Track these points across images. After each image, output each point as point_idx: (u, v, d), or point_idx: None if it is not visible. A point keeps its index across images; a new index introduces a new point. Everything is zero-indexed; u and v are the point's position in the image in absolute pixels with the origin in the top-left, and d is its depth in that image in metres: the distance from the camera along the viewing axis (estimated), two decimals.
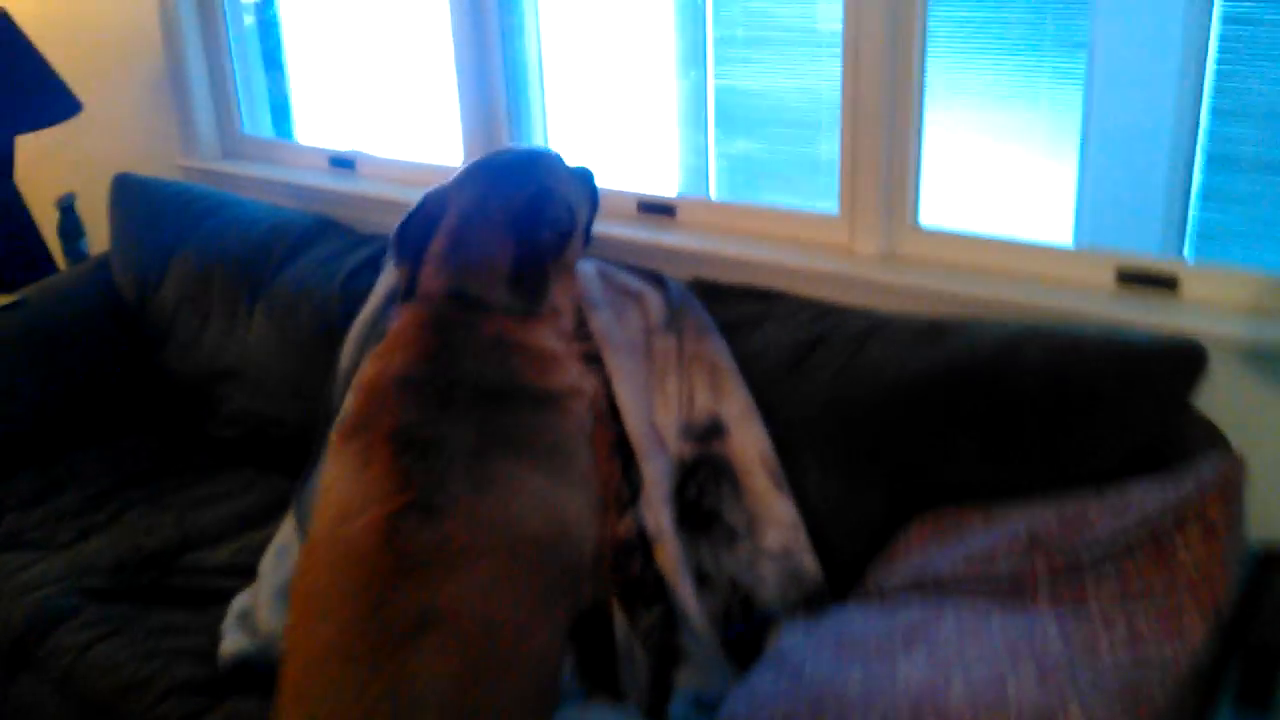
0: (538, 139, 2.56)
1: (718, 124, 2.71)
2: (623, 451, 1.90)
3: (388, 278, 2.15)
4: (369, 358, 1.59)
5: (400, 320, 1.59)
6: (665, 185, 2.45)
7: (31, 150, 3.07)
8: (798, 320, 1.89)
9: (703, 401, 1.86)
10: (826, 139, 2.33)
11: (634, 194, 2.35)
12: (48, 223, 3.12)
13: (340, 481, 1.42)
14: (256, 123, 3.12)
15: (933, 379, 1.67)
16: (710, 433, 1.83)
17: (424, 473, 1.37)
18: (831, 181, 2.08)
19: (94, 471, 2.39)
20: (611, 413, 1.92)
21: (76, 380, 2.56)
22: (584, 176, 1.85)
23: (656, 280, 2.07)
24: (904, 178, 1.99)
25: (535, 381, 1.52)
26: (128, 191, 2.74)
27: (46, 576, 1.98)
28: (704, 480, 1.81)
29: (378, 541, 1.31)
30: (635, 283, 2.07)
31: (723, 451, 1.81)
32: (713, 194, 2.38)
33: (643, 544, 1.82)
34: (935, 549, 1.46)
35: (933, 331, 1.74)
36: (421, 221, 1.66)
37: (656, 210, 2.31)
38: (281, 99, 3.24)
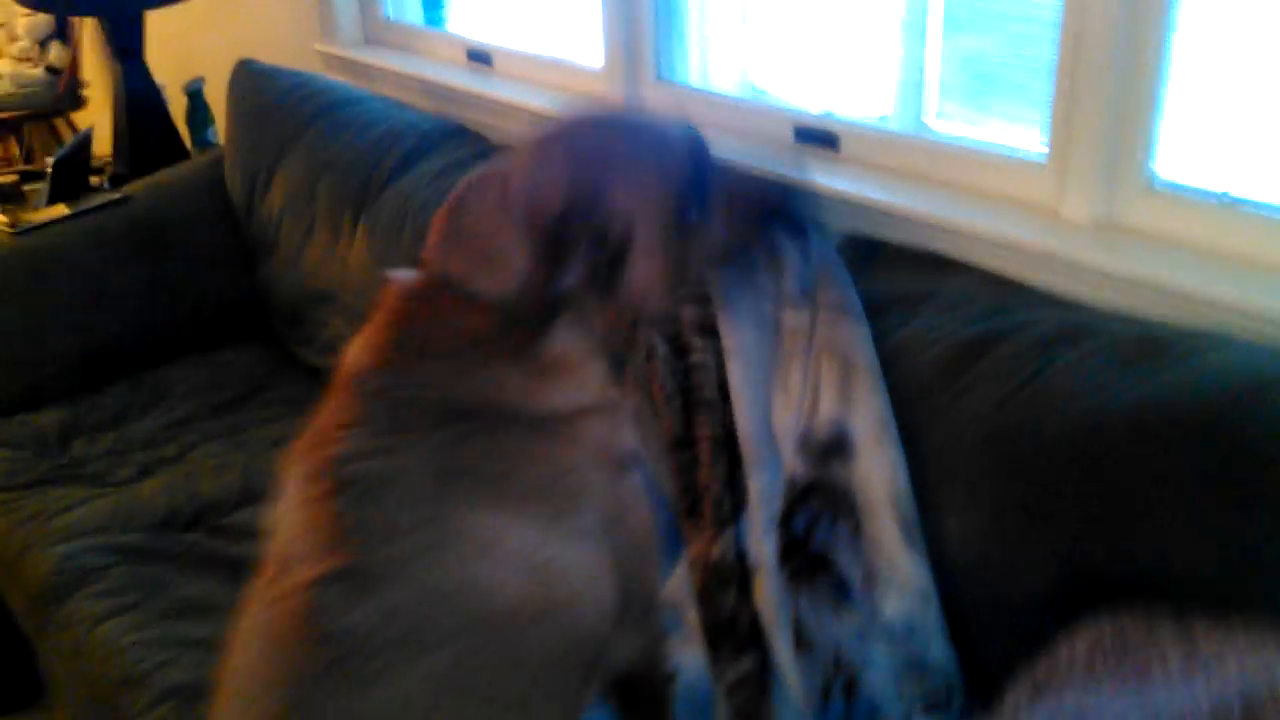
0: (707, 37, 2.10)
1: (946, 24, 2.17)
2: (729, 451, 1.51)
3: None
4: (353, 337, 1.21)
5: (384, 296, 1.20)
6: (872, 99, 1.93)
7: (166, 30, 2.87)
8: (969, 307, 1.43)
9: (829, 407, 1.43)
10: None
11: (791, 114, 1.89)
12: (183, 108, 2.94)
13: (289, 510, 1.08)
14: (402, 7, 2.80)
15: (1143, 419, 1.18)
16: (833, 450, 1.41)
17: (363, 523, 1.01)
18: None
19: (180, 393, 2.23)
20: (721, 400, 1.54)
21: (179, 288, 2.38)
22: (688, 153, 1.21)
23: (799, 233, 1.63)
24: (1136, 109, 1.45)
25: (525, 399, 1.10)
26: (246, 81, 2.50)
27: (87, 523, 1.80)
28: (818, 512, 1.40)
29: (296, 622, 0.98)
30: (775, 235, 1.64)
31: (845, 478, 1.39)
32: (933, 112, 1.87)
33: (740, 574, 1.45)
34: (1105, 683, 1.01)
35: (1153, 347, 1.25)
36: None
37: (816, 139, 1.85)
38: None
